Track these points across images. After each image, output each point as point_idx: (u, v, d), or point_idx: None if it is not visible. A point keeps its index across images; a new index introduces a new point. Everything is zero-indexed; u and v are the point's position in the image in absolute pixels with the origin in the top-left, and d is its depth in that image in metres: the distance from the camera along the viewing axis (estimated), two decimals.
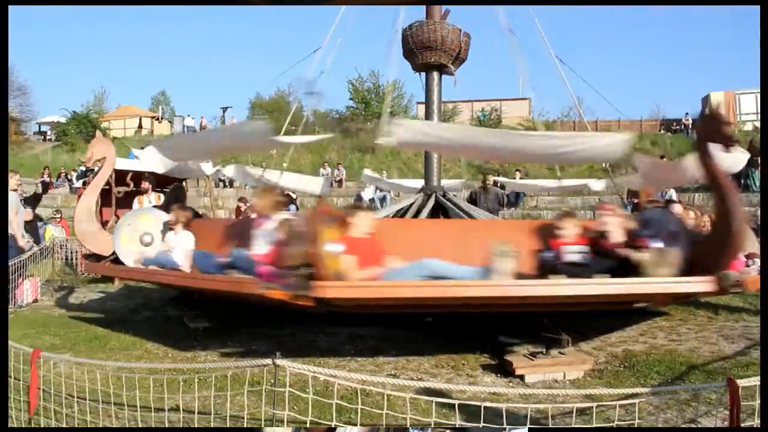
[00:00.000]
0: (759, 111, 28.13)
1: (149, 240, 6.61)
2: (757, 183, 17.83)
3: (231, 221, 8.24)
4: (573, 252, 5.23)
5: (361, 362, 5.33)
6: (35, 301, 8.48)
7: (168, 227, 6.43)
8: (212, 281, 5.26)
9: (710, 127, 4.65)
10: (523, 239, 5.48)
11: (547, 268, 5.12)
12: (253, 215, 6.12)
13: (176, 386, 3.89)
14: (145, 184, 10.93)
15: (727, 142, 4.54)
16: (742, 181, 18.14)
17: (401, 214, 7.65)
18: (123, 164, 13.61)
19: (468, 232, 5.79)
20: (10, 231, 8.36)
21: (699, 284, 4.68)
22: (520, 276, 4.87)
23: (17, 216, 8.58)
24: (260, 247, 5.17)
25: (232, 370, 3.77)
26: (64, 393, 3.74)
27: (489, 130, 6.48)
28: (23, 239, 8.92)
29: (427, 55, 7.85)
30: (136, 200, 10.50)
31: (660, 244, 4.96)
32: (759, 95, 28.72)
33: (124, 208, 10.19)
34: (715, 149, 4.62)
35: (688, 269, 4.82)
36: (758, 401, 3.08)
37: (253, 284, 4.65)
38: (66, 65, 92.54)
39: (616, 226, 5.31)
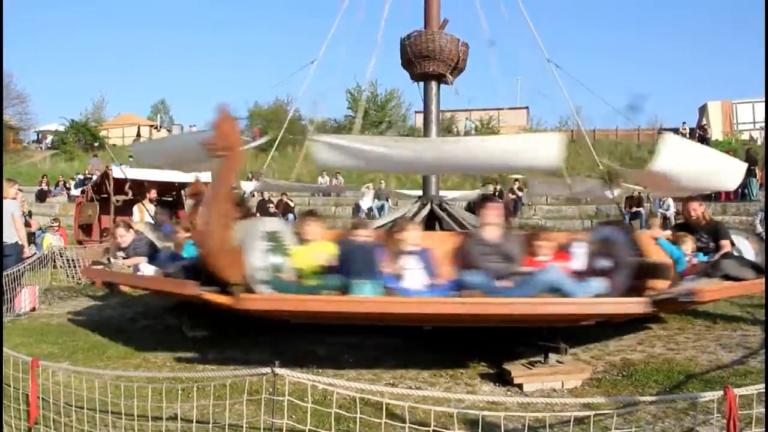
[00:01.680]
0: (753, 119, 28.25)
1: None
2: (755, 191, 17.89)
3: None
4: None
5: (359, 371, 5.32)
6: (33, 309, 8.45)
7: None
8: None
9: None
10: None
11: None
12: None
13: (175, 395, 3.89)
14: (152, 193, 10.96)
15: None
16: (740, 189, 18.19)
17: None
18: (121, 173, 13.65)
19: None
20: (18, 240, 8.38)
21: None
22: None
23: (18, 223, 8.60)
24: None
25: (230, 379, 3.77)
26: (62, 402, 3.74)
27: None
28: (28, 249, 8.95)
29: (425, 64, 7.87)
30: (135, 208, 10.52)
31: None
32: (755, 105, 28.92)
33: (122, 216, 10.22)
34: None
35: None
36: (755, 410, 3.09)
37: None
38: (65, 73, 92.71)
39: None
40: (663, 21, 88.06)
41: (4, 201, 8.17)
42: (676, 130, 30.30)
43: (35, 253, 9.40)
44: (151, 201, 10.98)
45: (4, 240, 8.08)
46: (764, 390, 3.09)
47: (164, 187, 11.86)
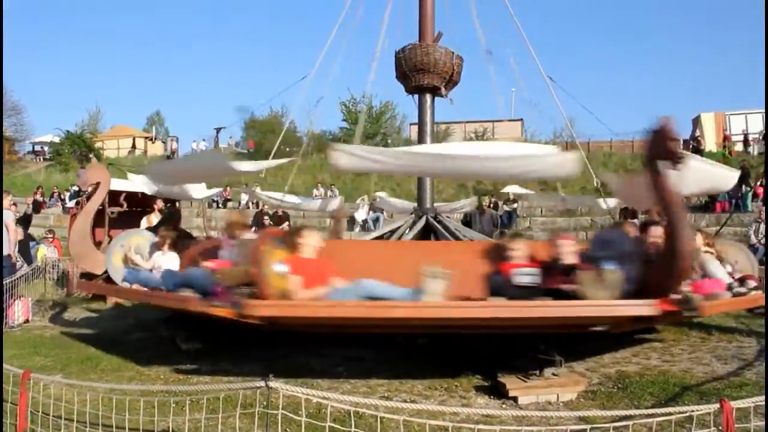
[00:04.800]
0: (746, 130, 28.45)
1: (139, 260, 6.75)
2: (749, 202, 17.94)
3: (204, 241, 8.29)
4: (523, 274, 5.28)
5: (354, 384, 5.30)
6: (27, 321, 8.41)
7: (156, 248, 6.74)
8: (161, 299, 5.65)
9: (656, 144, 4.45)
10: (475, 260, 5.72)
11: (495, 290, 5.19)
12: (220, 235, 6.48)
13: (168, 408, 3.86)
14: (159, 203, 10.96)
15: (674, 160, 4.33)
16: (734, 201, 18.24)
17: (391, 235, 7.68)
18: (117, 185, 13.63)
19: (413, 254, 5.96)
20: (7, 250, 8.35)
21: (642, 307, 4.61)
22: (465, 297, 5.01)
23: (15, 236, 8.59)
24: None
25: (224, 392, 3.74)
26: (53, 415, 3.71)
27: (425, 153, 6.53)
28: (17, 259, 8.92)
29: (419, 77, 7.90)
30: (144, 219, 10.54)
31: (611, 267, 4.87)
32: (748, 116, 29.11)
33: (117, 228, 10.16)
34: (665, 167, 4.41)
35: (641, 290, 4.79)
36: (753, 423, 3.08)
37: (198, 302, 4.92)
38: (61, 85, 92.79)
39: (568, 250, 5.34)
40: (659, 31, 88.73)
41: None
42: None
43: (23, 265, 9.36)
44: (160, 211, 10.96)
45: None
46: (764, 403, 3.08)
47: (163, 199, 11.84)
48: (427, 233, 7.62)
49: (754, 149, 26.63)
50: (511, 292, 5.05)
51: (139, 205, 11.56)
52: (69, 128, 36.76)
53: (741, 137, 28.40)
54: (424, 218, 7.73)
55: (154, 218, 10.55)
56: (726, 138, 27.43)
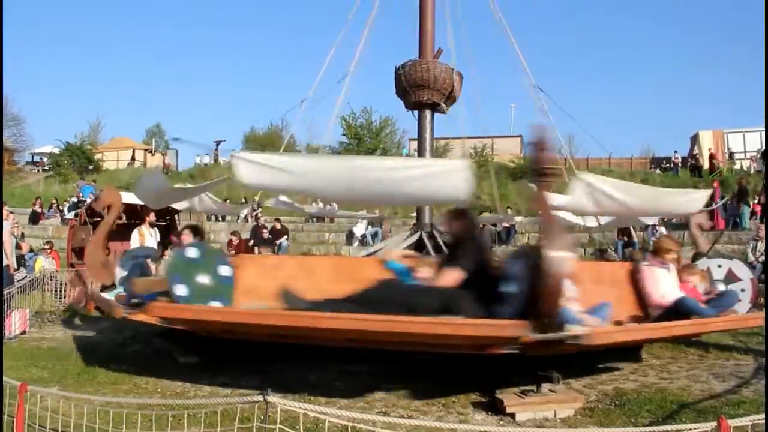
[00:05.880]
0: (744, 148, 28.63)
1: None
2: (746, 220, 18.00)
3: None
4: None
5: (351, 398, 5.29)
6: (24, 332, 8.39)
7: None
8: None
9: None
10: None
11: None
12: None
13: (165, 422, 3.86)
14: (150, 216, 10.92)
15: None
16: (731, 218, 18.30)
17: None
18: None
19: None
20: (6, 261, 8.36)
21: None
22: None
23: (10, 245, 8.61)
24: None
25: (222, 406, 3.74)
26: (49, 428, 3.71)
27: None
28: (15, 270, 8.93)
29: (419, 93, 7.98)
30: (135, 231, 10.44)
31: None
32: (746, 134, 29.30)
33: (114, 240, 10.14)
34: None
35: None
36: None
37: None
38: (62, 96, 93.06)
39: None
40: (657, 48, 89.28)
41: None
42: (668, 159, 30.72)
43: (26, 277, 9.37)
44: (151, 225, 10.94)
45: None
46: (763, 421, 3.09)
47: (158, 212, 11.84)
48: (428, 248, 7.63)
49: (751, 168, 26.80)
50: None
51: (138, 217, 11.57)
52: (69, 139, 36.99)
53: (740, 155, 28.58)
54: (423, 234, 7.75)
55: (146, 230, 10.53)
56: (712, 156, 27.58)
